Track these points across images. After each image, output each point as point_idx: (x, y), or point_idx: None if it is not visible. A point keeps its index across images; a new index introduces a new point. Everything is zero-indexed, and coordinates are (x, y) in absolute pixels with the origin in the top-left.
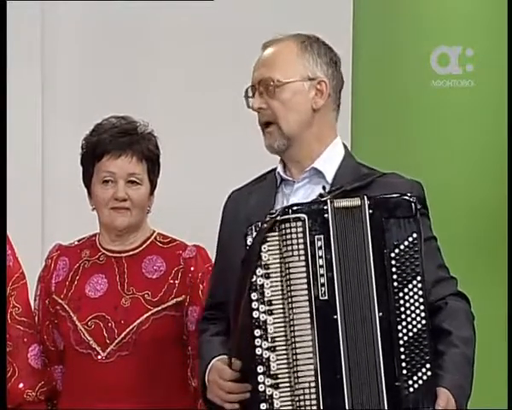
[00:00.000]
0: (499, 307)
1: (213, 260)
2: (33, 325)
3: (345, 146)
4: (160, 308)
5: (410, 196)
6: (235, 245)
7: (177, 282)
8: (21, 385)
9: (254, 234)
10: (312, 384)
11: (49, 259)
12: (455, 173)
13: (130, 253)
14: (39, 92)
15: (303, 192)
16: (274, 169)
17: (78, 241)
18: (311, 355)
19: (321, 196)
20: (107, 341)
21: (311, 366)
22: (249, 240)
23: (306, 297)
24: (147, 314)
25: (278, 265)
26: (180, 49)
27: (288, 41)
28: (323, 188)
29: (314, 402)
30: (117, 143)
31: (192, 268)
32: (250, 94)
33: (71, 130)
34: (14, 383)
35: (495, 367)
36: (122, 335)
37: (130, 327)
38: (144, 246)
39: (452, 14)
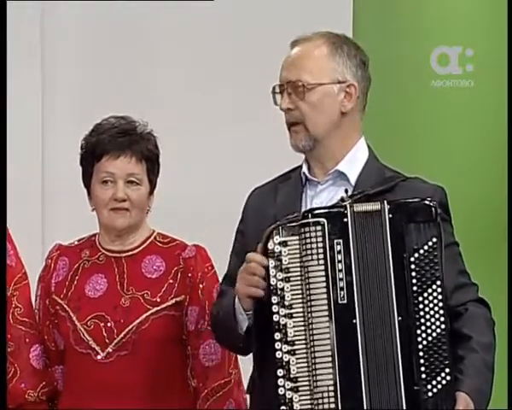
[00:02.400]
0: (499, 307)
1: (225, 260)
2: (35, 325)
3: (369, 147)
4: (159, 308)
5: (431, 201)
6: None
7: (176, 282)
8: (23, 385)
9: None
10: (331, 388)
11: (49, 259)
12: (455, 173)
13: (130, 253)
14: (39, 92)
15: (326, 194)
16: (298, 167)
17: (78, 241)
18: (330, 359)
19: (342, 200)
20: (107, 341)
21: (330, 370)
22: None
23: (325, 301)
24: (146, 314)
25: (298, 269)
26: (180, 49)
27: (317, 41)
28: (346, 191)
29: (333, 406)
30: (116, 144)
31: (192, 268)
32: (277, 91)
33: (71, 130)
34: (15, 383)
35: (495, 367)
36: (121, 335)
37: (130, 327)
38: (144, 246)
39: (452, 14)
